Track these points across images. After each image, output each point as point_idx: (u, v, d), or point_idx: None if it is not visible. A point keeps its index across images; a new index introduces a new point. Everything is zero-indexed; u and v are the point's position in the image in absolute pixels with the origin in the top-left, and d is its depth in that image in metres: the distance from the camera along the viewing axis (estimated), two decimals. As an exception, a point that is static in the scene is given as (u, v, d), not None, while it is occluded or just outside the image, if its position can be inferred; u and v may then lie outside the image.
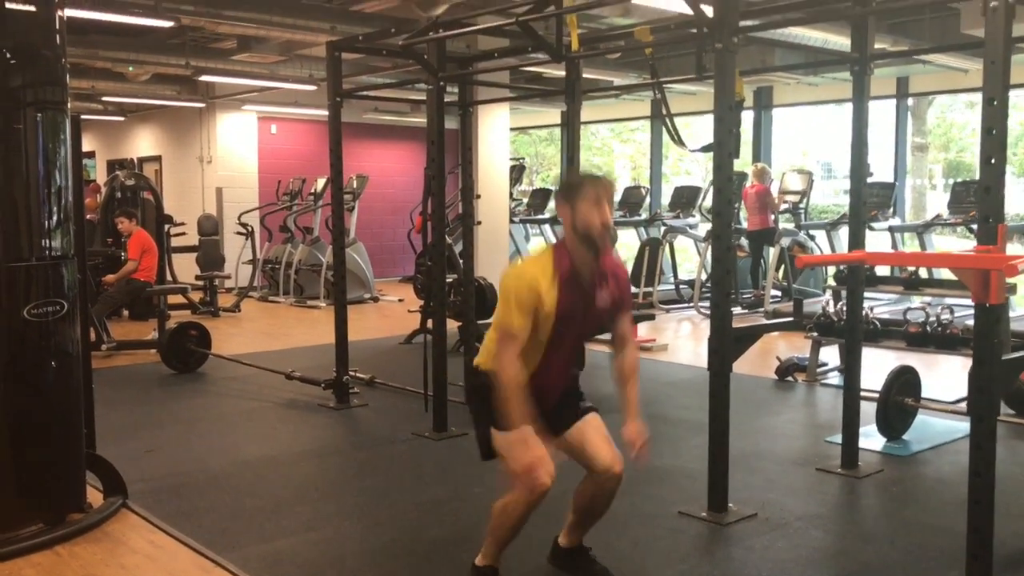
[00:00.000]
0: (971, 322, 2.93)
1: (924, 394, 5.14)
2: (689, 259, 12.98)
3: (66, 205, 3.65)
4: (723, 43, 3.56)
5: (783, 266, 10.25)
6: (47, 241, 3.59)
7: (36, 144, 3.53)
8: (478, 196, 7.50)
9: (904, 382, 4.96)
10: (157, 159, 14.87)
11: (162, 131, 14.74)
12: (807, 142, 17.29)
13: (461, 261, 6.90)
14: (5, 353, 3.50)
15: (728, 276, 3.72)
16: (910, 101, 12.60)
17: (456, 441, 4.95)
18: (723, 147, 3.64)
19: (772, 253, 10.22)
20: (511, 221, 11.74)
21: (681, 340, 8.79)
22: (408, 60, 5.49)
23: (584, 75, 5.95)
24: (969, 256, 2.98)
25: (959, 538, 3.00)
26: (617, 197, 12.36)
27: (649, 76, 4.84)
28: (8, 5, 3.43)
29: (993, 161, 2.77)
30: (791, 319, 6.34)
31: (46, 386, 3.62)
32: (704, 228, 10.88)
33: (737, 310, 9.60)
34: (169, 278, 10.18)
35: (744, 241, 10.59)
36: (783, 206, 10.39)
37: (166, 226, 10.40)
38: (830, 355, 6.70)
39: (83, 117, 4.62)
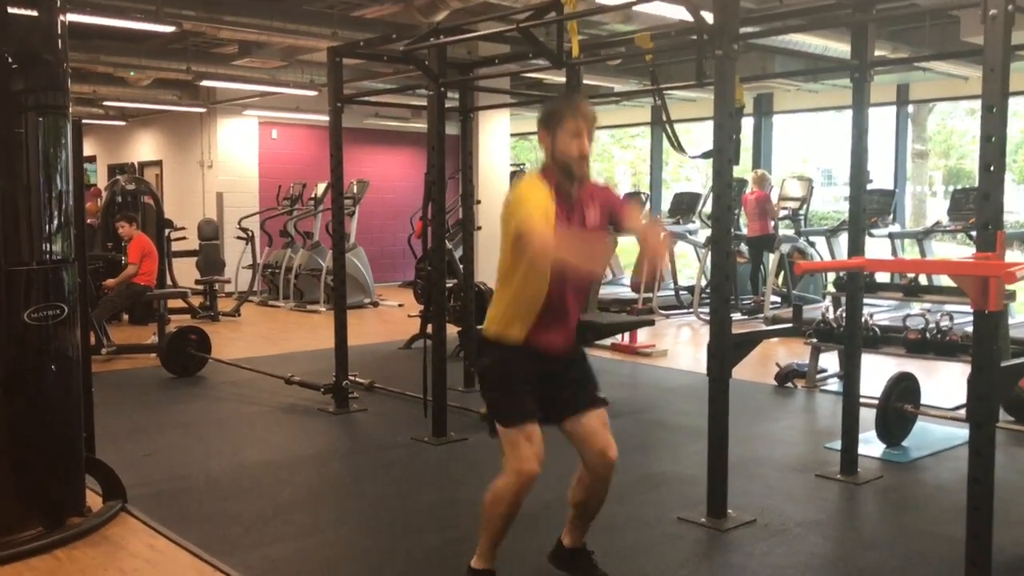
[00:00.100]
0: (970, 329, 2.93)
1: (923, 400, 5.14)
2: (689, 265, 12.98)
3: (67, 209, 3.66)
4: (723, 50, 3.56)
5: (783, 272, 10.25)
6: (48, 245, 3.59)
7: (37, 148, 3.54)
8: (478, 202, 7.52)
9: (903, 388, 4.96)
10: (158, 163, 14.89)
11: (163, 136, 14.76)
12: (807, 148, 17.32)
13: (461, 266, 6.91)
14: (5, 357, 3.50)
15: (727, 282, 3.73)
16: (910, 108, 12.62)
17: (455, 446, 4.95)
18: (723, 153, 3.64)
19: (772, 259, 10.23)
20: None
21: (681, 346, 8.79)
22: (409, 66, 5.50)
23: (585, 81, 5.97)
24: (968, 263, 2.99)
25: (958, 544, 3.00)
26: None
27: (649, 82, 4.84)
28: (10, 9, 3.43)
29: (992, 168, 2.78)
30: (790, 325, 6.32)
31: (46, 390, 3.62)
32: (704, 234, 10.88)
33: (737, 316, 9.60)
34: (169, 282, 10.19)
35: (744, 247, 10.60)
36: (782, 212, 10.40)
37: (166, 230, 10.41)
38: (830, 361, 6.70)
39: (84, 121, 4.61)
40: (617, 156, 21.13)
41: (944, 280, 5.81)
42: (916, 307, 7.91)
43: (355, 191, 11.79)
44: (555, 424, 3.03)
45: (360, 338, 8.10)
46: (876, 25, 4.90)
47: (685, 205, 11.56)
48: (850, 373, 4.39)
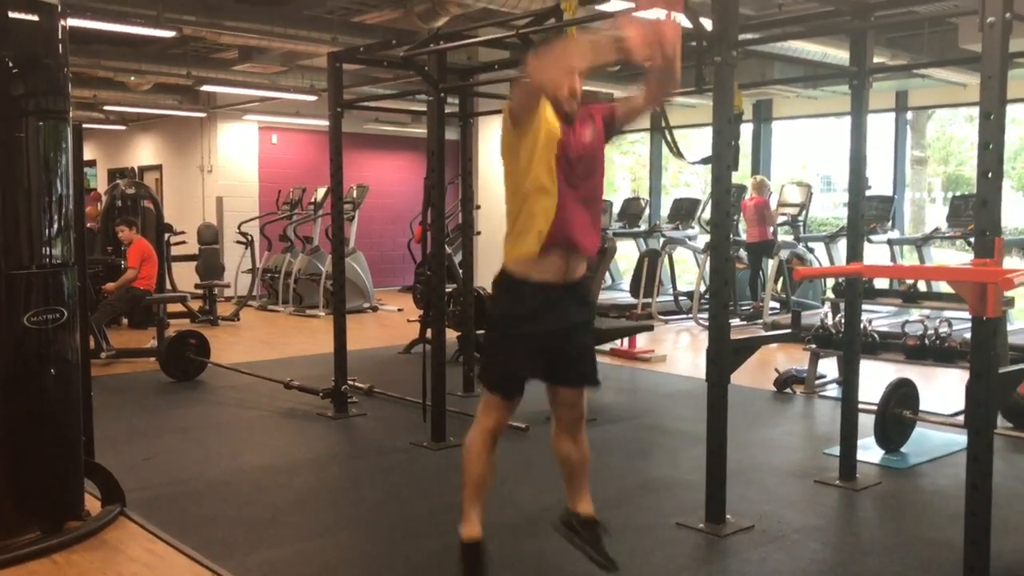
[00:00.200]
0: (969, 335, 2.94)
1: (922, 407, 5.14)
2: (688, 270, 12.99)
3: (67, 213, 3.66)
4: (722, 56, 3.58)
5: (782, 278, 10.26)
6: (47, 249, 3.60)
7: (37, 152, 3.55)
8: (478, 207, 7.53)
9: (902, 395, 4.96)
10: (158, 168, 14.90)
11: (163, 140, 14.78)
12: (807, 155, 17.34)
13: (460, 271, 6.91)
14: (4, 360, 3.51)
15: (726, 287, 3.73)
16: (909, 115, 12.64)
17: (454, 451, 4.94)
18: (721, 160, 3.65)
19: (771, 265, 10.24)
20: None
21: (680, 351, 8.79)
22: (409, 71, 5.51)
23: (584, 87, 5.97)
24: (966, 269, 2.99)
25: (956, 551, 3.00)
26: (616, 208, 12.47)
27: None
28: (11, 14, 3.44)
29: (990, 175, 2.79)
30: (789, 331, 6.35)
31: (45, 393, 3.63)
32: (703, 240, 10.90)
33: (736, 322, 9.61)
34: (169, 287, 10.19)
35: (743, 253, 10.61)
36: (781, 218, 10.41)
37: (166, 235, 10.42)
38: (829, 367, 6.71)
39: (84, 126, 4.63)
40: (616, 162, 21.14)
41: (943, 286, 5.81)
42: (915, 313, 7.91)
43: (355, 196, 11.81)
44: (546, 381, 3.15)
45: (359, 343, 8.10)
46: (875, 32, 4.92)
47: (684, 211, 11.57)
48: (849, 379, 4.39)
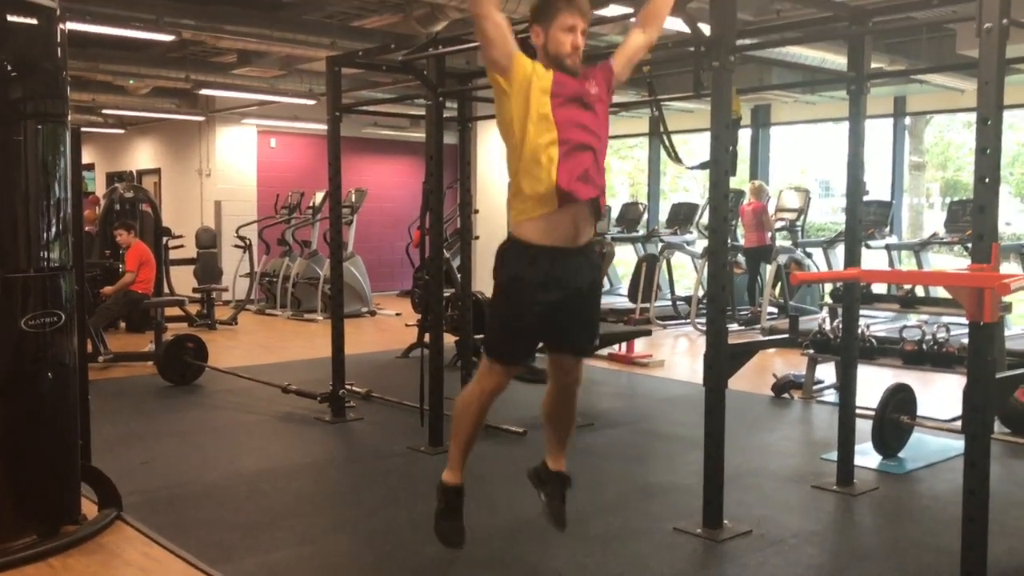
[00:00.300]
0: (967, 340, 2.94)
1: (920, 412, 5.14)
2: (686, 275, 13.00)
3: (65, 217, 3.66)
4: (720, 62, 3.58)
5: (780, 283, 10.27)
6: (45, 252, 3.60)
7: (36, 156, 3.55)
8: (476, 211, 7.54)
9: (900, 400, 4.97)
10: (156, 172, 14.91)
11: (162, 144, 14.78)
12: (805, 160, 17.35)
13: (459, 276, 6.91)
14: (2, 364, 3.50)
15: (724, 292, 3.73)
16: (907, 120, 12.66)
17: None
18: (719, 165, 3.65)
19: (769, 270, 10.25)
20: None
21: (678, 356, 8.79)
22: (407, 75, 5.52)
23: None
24: (963, 275, 3.00)
25: (954, 556, 3.00)
26: (615, 213, 12.48)
27: (647, 94, 4.86)
28: (10, 18, 3.45)
29: (987, 180, 2.79)
30: (787, 336, 6.34)
31: (42, 397, 3.62)
32: (701, 245, 10.91)
33: (734, 327, 9.62)
34: (166, 290, 10.19)
35: (741, 258, 10.61)
36: (779, 223, 10.42)
37: (164, 238, 10.42)
38: (826, 372, 6.71)
39: (83, 129, 4.64)
40: (615, 167, 21.16)
41: (941, 292, 5.82)
42: (913, 318, 7.93)
43: (353, 200, 11.81)
44: (552, 346, 3.21)
45: (357, 347, 8.10)
46: (873, 38, 4.93)
47: (683, 215, 11.58)
48: (846, 384, 4.39)
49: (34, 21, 3.52)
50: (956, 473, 3.44)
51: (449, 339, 6.22)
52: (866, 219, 8.05)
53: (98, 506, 3.91)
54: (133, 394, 6.74)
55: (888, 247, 9.89)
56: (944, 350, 5.67)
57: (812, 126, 14.26)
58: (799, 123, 13.63)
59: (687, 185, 18.97)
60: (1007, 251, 9.41)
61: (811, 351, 6.40)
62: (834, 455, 4.48)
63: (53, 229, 3.61)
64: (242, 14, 8.11)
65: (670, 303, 11.11)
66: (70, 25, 3.98)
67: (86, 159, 15.73)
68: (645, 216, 12.74)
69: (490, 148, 11.39)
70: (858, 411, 4.40)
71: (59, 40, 3.63)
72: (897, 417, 4.92)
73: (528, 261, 3.04)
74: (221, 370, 7.12)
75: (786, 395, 6.51)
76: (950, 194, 16.32)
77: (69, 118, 3.71)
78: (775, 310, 10.20)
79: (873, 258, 9.69)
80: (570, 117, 3.01)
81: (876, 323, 8.11)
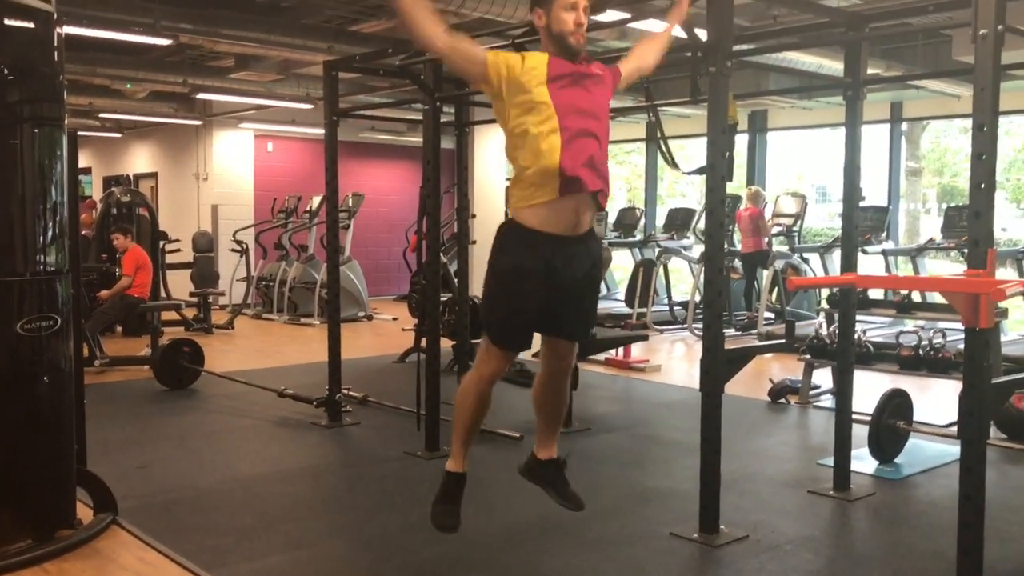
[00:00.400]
0: (963, 346, 2.94)
1: (916, 417, 5.15)
2: (683, 280, 13.00)
3: (61, 221, 3.66)
4: (717, 67, 3.59)
5: (776, 288, 10.28)
6: (42, 256, 3.59)
7: (32, 160, 3.54)
8: (473, 216, 7.54)
9: (896, 405, 4.97)
10: (153, 176, 14.90)
11: (159, 148, 14.77)
12: (802, 165, 17.38)
13: (456, 280, 6.91)
14: (-3, 368, 3.50)
15: (720, 297, 3.74)
16: (904, 126, 12.69)
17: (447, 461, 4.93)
18: (716, 170, 3.66)
19: (766, 275, 10.26)
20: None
21: (675, 361, 8.80)
22: (405, 80, 5.52)
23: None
24: (959, 280, 3.00)
25: (950, 561, 3.00)
26: (612, 218, 12.49)
27: (644, 99, 4.86)
28: (7, 21, 3.44)
29: (983, 186, 2.80)
30: (784, 341, 6.36)
31: (38, 401, 3.61)
32: (698, 250, 10.92)
33: (730, 332, 9.62)
34: (163, 294, 10.18)
35: (738, 263, 10.62)
36: (776, 229, 10.44)
37: (161, 243, 10.41)
38: (823, 378, 6.71)
39: (80, 133, 4.63)
40: (612, 172, 21.20)
41: (937, 297, 5.83)
42: (909, 324, 7.93)
43: (350, 204, 11.81)
44: (547, 332, 3.21)
45: (354, 352, 8.09)
46: (869, 43, 4.94)
47: (680, 221, 11.60)
48: (843, 390, 4.39)
49: (31, 25, 3.52)
50: (952, 479, 3.45)
51: (446, 344, 6.23)
52: (863, 224, 8.07)
53: (93, 510, 3.90)
54: (129, 398, 6.73)
55: (885, 252, 9.91)
56: (940, 355, 5.69)
57: (809, 131, 14.29)
58: (796, 128, 13.65)
59: (684, 190, 18.99)
60: (1003, 257, 9.42)
61: (808, 356, 6.40)
62: (830, 460, 4.48)
63: (49, 233, 3.61)
64: (239, 18, 8.11)
65: (667, 308, 11.12)
66: (67, 29, 3.99)
67: (83, 163, 15.72)
68: (642, 221, 12.75)
69: (487, 152, 11.39)
70: (854, 416, 4.40)
71: (56, 44, 3.63)
72: (893, 422, 4.93)
73: (527, 246, 3.03)
74: (217, 374, 7.11)
75: (783, 400, 6.51)
76: (947, 200, 16.35)
77: (66, 122, 3.71)
78: (772, 315, 10.21)
79: (870, 263, 9.71)
80: (570, 101, 2.99)
81: (872, 328, 8.11)
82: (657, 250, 11.34)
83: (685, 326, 10.34)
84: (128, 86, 11.08)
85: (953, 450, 4.82)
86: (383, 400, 6.32)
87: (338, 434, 5.68)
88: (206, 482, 4.59)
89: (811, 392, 6.54)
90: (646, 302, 10.52)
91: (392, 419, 5.98)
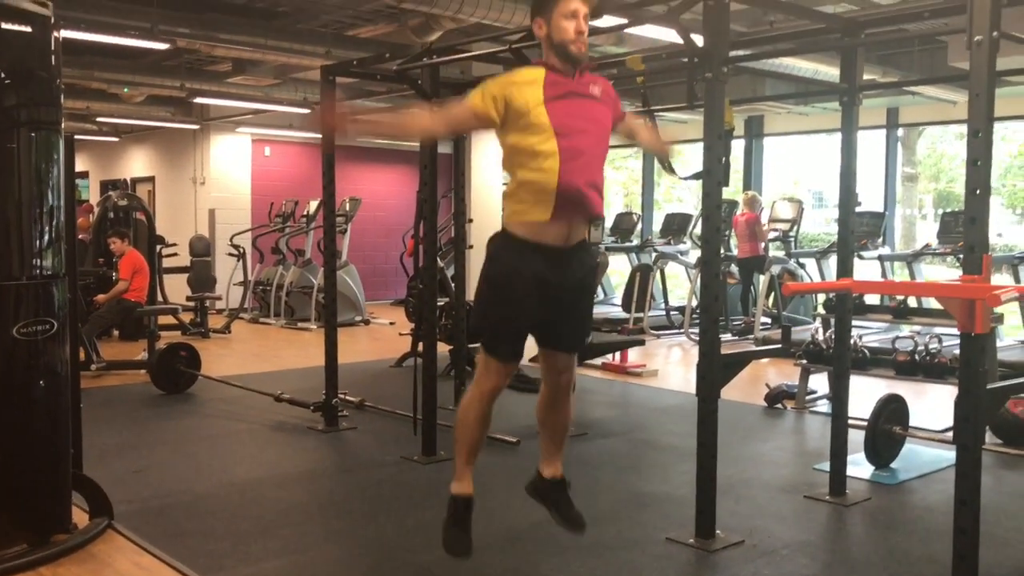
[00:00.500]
0: (959, 351, 2.95)
1: (912, 423, 5.15)
2: (680, 285, 13.02)
3: (58, 225, 3.66)
4: (713, 73, 3.60)
5: (773, 293, 10.30)
6: (38, 260, 3.59)
7: (29, 164, 3.54)
8: (470, 220, 7.53)
9: (892, 410, 4.97)
10: (150, 180, 14.89)
11: (156, 152, 14.77)
12: (798, 171, 17.42)
13: (453, 285, 6.92)
14: (-7, 372, 3.50)
15: (716, 302, 3.74)
16: (900, 131, 12.73)
17: (445, 465, 4.92)
18: (712, 175, 3.67)
19: (762, 281, 10.27)
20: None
21: (671, 366, 8.80)
22: (402, 85, 5.53)
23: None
24: (954, 286, 3.01)
25: (945, 566, 3.00)
26: (609, 223, 12.50)
27: (641, 104, 4.88)
28: (4, 25, 3.44)
29: (978, 192, 2.81)
30: (780, 346, 6.36)
31: (34, 405, 3.61)
32: (695, 255, 10.93)
33: (727, 337, 9.63)
34: (160, 299, 10.17)
35: (734, 268, 10.64)
36: (772, 234, 10.46)
37: (158, 247, 10.41)
38: (819, 383, 6.72)
39: (77, 137, 4.64)
40: (609, 177, 21.21)
41: (933, 303, 5.84)
42: (905, 329, 7.94)
43: (347, 209, 11.81)
44: (543, 344, 3.20)
45: (351, 356, 8.09)
46: (865, 49, 4.96)
47: (676, 226, 11.62)
48: (839, 395, 4.40)
49: (28, 29, 3.52)
50: (948, 484, 3.45)
51: (443, 348, 6.22)
52: (859, 230, 8.09)
53: (89, 515, 3.90)
54: (125, 402, 6.72)
55: (881, 258, 9.93)
56: (936, 361, 5.69)
57: (805, 137, 14.33)
58: (792, 134, 13.69)
59: (681, 195, 19.02)
60: (999, 262, 9.44)
61: (804, 361, 6.41)
62: (827, 465, 4.48)
63: (46, 237, 3.61)
64: (237, 23, 8.13)
65: (664, 313, 11.13)
66: (64, 33, 3.99)
67: (80, 167, 15.70)
68: (639, 226, 12.76)
69: (484, 157, 11.39)
70: (851, 421, 4.41)
71: (53, 48, 3.63)
72: (889, 428, 4.93)
73: (519, 254, 3.03)
74: (214, 379, 7.10)
75: (779, 405, 6.52)
76: (943, 205, 16.39)
77: (63, 126, 3.71)
78: (768, 320, 10.22)
79: (866, 269, 9.73)
80: (569, 123, 2.97)
81: (869, 334, 8.13)
82: (654, 255, 11.35)
83: (682, 331, 10.34)
84: (125, 90, 11.08)
85: (949, 455, 4.82)
86: (380, 405, 6.31)
87: (335, 439, 5.67)
88: (202, 486, 4.59)
89: (807, 397, 6.54)
90: (643, 307, 10.52)
91: (389, 424, 5.98)
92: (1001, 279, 9.30)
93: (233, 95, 11.03)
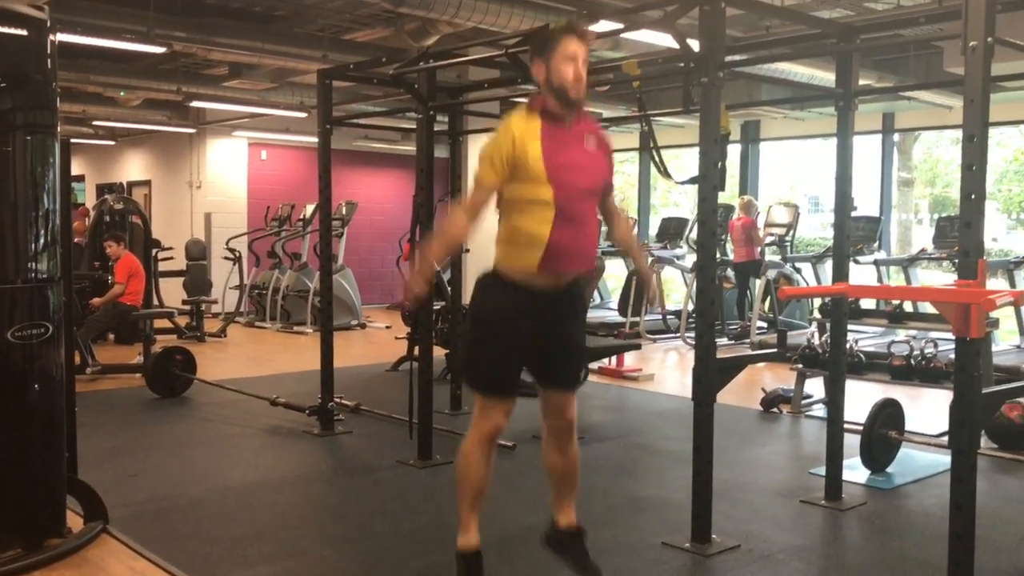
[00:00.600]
0: (954, 356, 2.95)
1: (908, 427, 5.16)
2: (676, 289, 13.02)
3: (53, 228, 3.65)
4: (709, 78, 3.60)
5: (769, 298, 10.30)
6: (33, 264, 3.58)
7: (25, 167, 3.54)
8: (467, 224, 7.54)
9: (888, 415, 4.98)
10: (147, 183, 14.88)
11: (152, 156, 14.76)
12: (794, 175, 17.45)
13: (449, 289, 6.92)
14: (-12, 375, 3.49)
15: (712, 307, 3.74)
16: (896, 136, 12.75)
17: (441, 469, 4.93)
18: (708, 180, 3.67)
19: (758, 285, 10.28)
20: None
21: (667, 370, 8.80)
22: (399, 89, 5.53)
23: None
24: (949, 290, 3.01)
25: (941, 571, 3.00)
26: (606, 228, 12.50)
27: (637, 109, 4.89)
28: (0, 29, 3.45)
29: (973, 197, 2.81)
30: (776, 350, 6.36)
31: (29, 409, 3.60)
32: (691, 259, 10.93)
33: (723, 341, 9.64)
34: (156, 302, 10.15)
35: (730, 273, 10.65)
36: (768, 238, 10.47)
37: (154, 250, 10.39)
38: (815, 387, 6.72)
39: (73, 141, 4.63)
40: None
41: (929, 307, 5.86)
42: (901, 334, 7.96)
43: (344, 213, 11.81)
44: (533, 379, 3.16)
45: (347, 360, 8.08)
46: (861, 55, 4.97)
47: (672, 230, 11.62)
48: (835, 399, 4.40)
49: (24, 32, 3.52)
50: (943, 488, 3.46)
51: (439, 352, 6.22)
52: (855, 235, 8.10)
53: (84, 519, 3.89)
54: (121, 406, 6.71)
55: (876, 262, 9.94)
56: (932, 365, 5.70)
57: (801, 142, 14.36)
58: (788, 139, 13.72)
59: (677, 200, 19.03)
60: (994, 267, 9.46)
61: (800, 366, 6.41)
62: (822, 470, 4.48)
63: (42, 240, 3.60)
64: (233, 26, 8.13)
65: (660, 317, 11.13)
66: (60, 36, 3.98)
67: (76, 170, 15.70)
68: (635, 230, 12.76)
69: (481, 162, 11.43)
70: (846, 426, 4.41)
71: (49, 51, 3.62)
72: (885, 432, 4.94)
73: (508, 295, 3.03)
74: (210, 382, 7.09)
75: (775, 409, 6.52)
76: (939, 210, 16.42)
77: (59, 129, 3.71)
78: (764, 325, 10.22)
79: (862, 273, 9.74)
80: (567, 178, 2.97)
81: (864, 338, 8.13)
82: (650, 259, 11.35)
83: (678, 335, 10.35)
84: (122, 94, 11.08)
85: (944, 460, 4.82)
86: (376, 409, 6.31)
87: (330, 443, 5.67)
88: (197, 491, 4.58)
89: (803, 401, 6.55)
90: (639, 311, 10.52)
91: (385, 428, 5.97)
92: (996, 284, 9.31)
93: (229, 99, 11.03)
